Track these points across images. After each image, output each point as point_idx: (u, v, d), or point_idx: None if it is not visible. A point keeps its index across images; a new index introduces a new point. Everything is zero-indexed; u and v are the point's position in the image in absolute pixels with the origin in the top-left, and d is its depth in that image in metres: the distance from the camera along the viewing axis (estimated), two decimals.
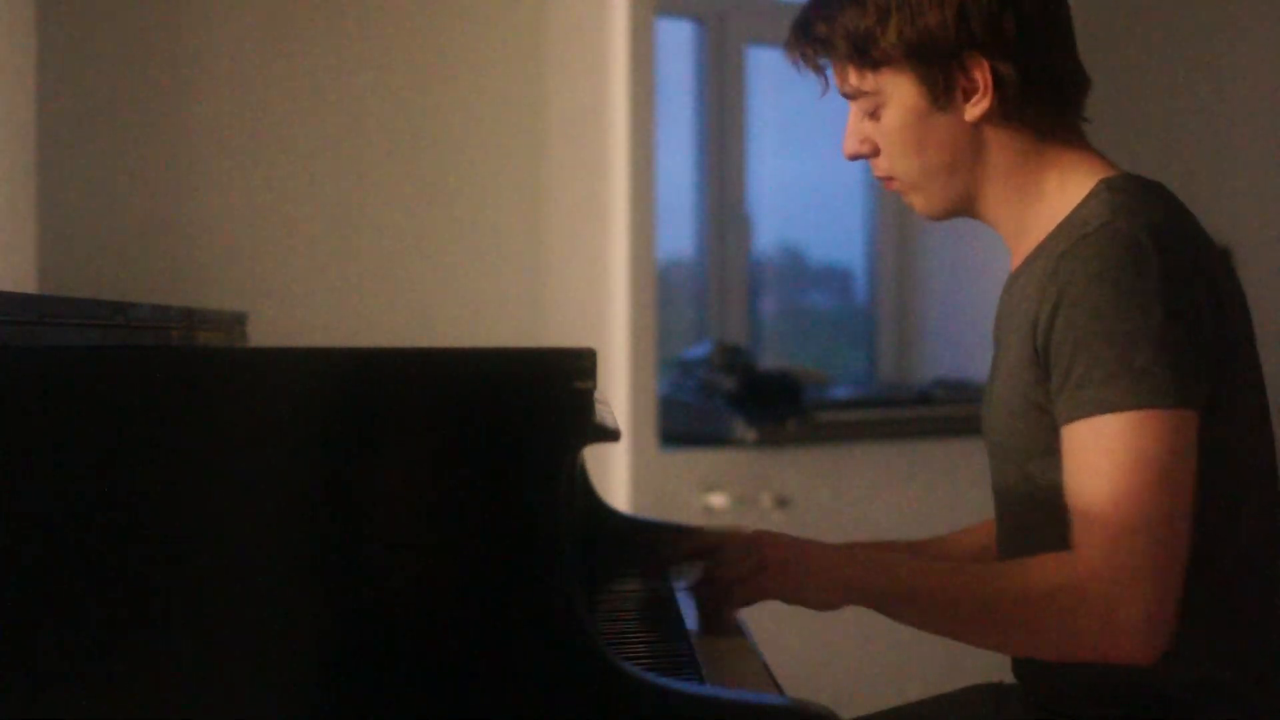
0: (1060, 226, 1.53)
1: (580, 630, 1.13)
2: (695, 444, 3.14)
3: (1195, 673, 1.48)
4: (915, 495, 3.24)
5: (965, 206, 1.62)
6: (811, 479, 3.16)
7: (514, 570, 1.14)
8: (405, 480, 1.15)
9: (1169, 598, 1.38)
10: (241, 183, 2.87)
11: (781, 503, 3.08)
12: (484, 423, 1.15)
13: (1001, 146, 1.57)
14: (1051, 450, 1.49)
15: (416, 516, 1.15)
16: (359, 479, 1.14)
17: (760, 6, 3.67)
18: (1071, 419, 1.43)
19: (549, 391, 1.15)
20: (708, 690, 1.23)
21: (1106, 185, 1.52)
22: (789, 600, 1.48)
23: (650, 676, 1.15)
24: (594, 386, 1.20)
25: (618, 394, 2.93)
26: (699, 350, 3.35)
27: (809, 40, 1.60)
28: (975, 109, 1.55)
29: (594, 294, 3.02)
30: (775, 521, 3.08)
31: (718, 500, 3.04)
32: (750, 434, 3.10)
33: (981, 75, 1.53)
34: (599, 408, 1.23)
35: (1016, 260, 1.62)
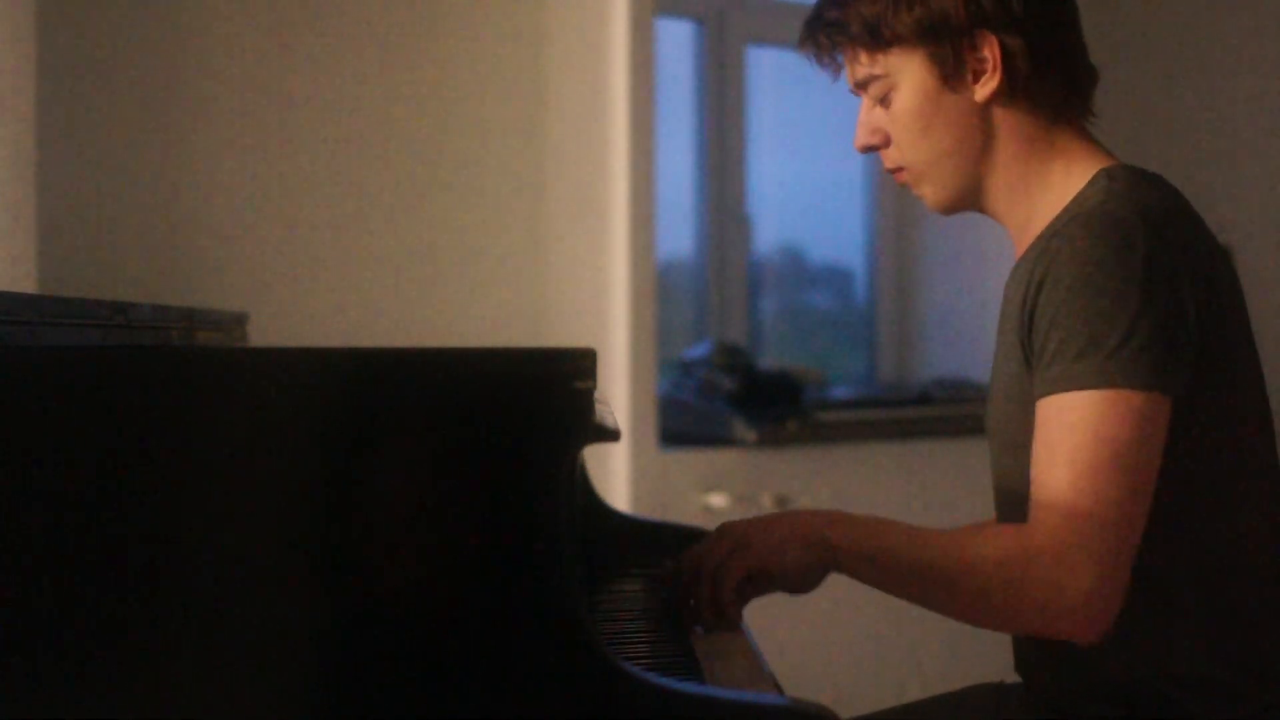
0: (1060, 215, 1.54)
1: (580, 630, 1.13)
2: (695, 444, 3.14)
3: (1196, 671, 1.48)
4: (915, 495, 3.24)
5: (974, 195, 1.63)
6: (811, 479, 3.16)
7: (514, 570, 1.14)
8: (405, 480, 1.15)
9: (1115, 578, 1.38)
10: (242, 183, 2.87)
11: (781, 503, 3.07)
12: (484, 423, 1.15)
13: (1010, 129, 1.58)
14: None
15: (416, 516, 1.15)
16: (359, 479, 1.14)
17: (760, 6, 3.67)
18: (1044, 394, 1.44)
19: (549, 391, 1.15)
20: (707, 690, 1.23)
21: (1106, 174, 1.53)
22: (775, 572, 1.48)
23: (650, 676, 1.15)
24: (594, 386, 1.20)
25: (618, 394, 2.93)
26: (699, 350, 3.35)
27: (822, 26, 1.62)
28: (985, 88, 1.56)
29: (594, 294, 3.02)
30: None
31: (718, 500, 3.04)
32: (750, 434, 3.10)
33: (991, 53, 1.55)
34: (599, 408, 1.23)
35: (1020, 251, 1.63)
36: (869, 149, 1.65)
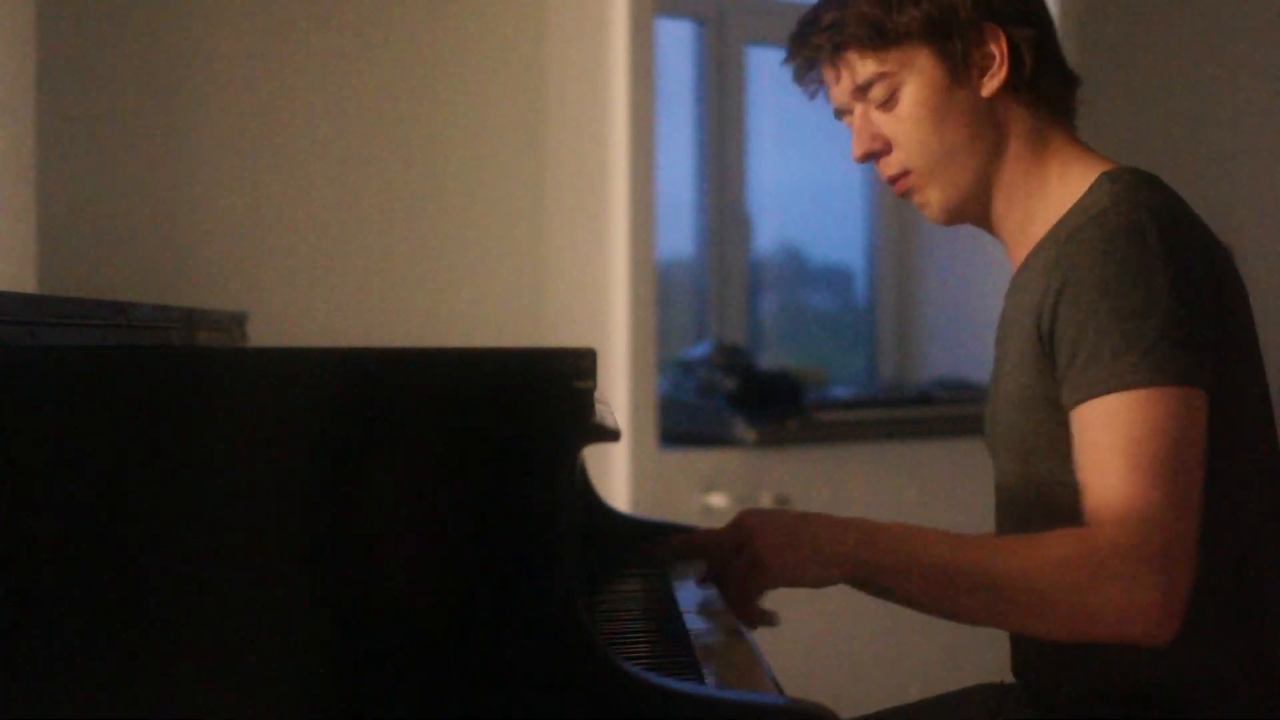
0: (1062, 220, 1.53)
1: (580, 630, 1.13)
2: (695, 444, 3.14)
3: (1196, 670, 1.48)
4: (915, 495, 3.24)
5: (978, 198, 1.61)
6: (811, 479, 3.16)
7: (514, 570, 1.14)
8: (405, 480, 1.15)
9: (1186, 576, 1.36)
10: (241, 183, 2.87)
11: (781, 503, 3.07)
12: (484, 423, 1.15)
13: (1014, 126, 1.58)
14: (1056, 448, 1.49)
15: (416, 517, 1.15)
16: (359, 479, 1.14)
17: (760, 6, 3.67)
18: (1083, 398, 1.42)
19: (549, 391, 1.15)
20: (707, 690, 1.23)
21: (1108, 177, 1.53)
22: (789, 585, 1.48)
23: (650, 676, 1.15)
24: (594, 386, 1.20)
25: (618, 394, 2.93)
26: (699, 350, 3.35)
27: (820, 30, 1.59)
28: (992, 82, 1.56)
29: (594, 294, 3.02)
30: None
31: (718, 500, 3.04)
32: (750, 434, 3.10)
33: (997, 47, 1.56)
34: (599, 408, 1.23)
35: (1016, 263, 1.62)
36: (869, 157, 1.62)
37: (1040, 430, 1.51)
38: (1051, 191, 1.57)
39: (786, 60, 1.65)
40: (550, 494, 1.14)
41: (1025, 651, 1.64)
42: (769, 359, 3.69)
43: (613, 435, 1.21)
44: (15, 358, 1.16)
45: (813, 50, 1.61)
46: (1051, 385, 1.48)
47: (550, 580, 1.13)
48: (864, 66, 1.58)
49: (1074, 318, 1.43)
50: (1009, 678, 1.70)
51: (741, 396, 3.18)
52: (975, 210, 1.62)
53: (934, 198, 1.62)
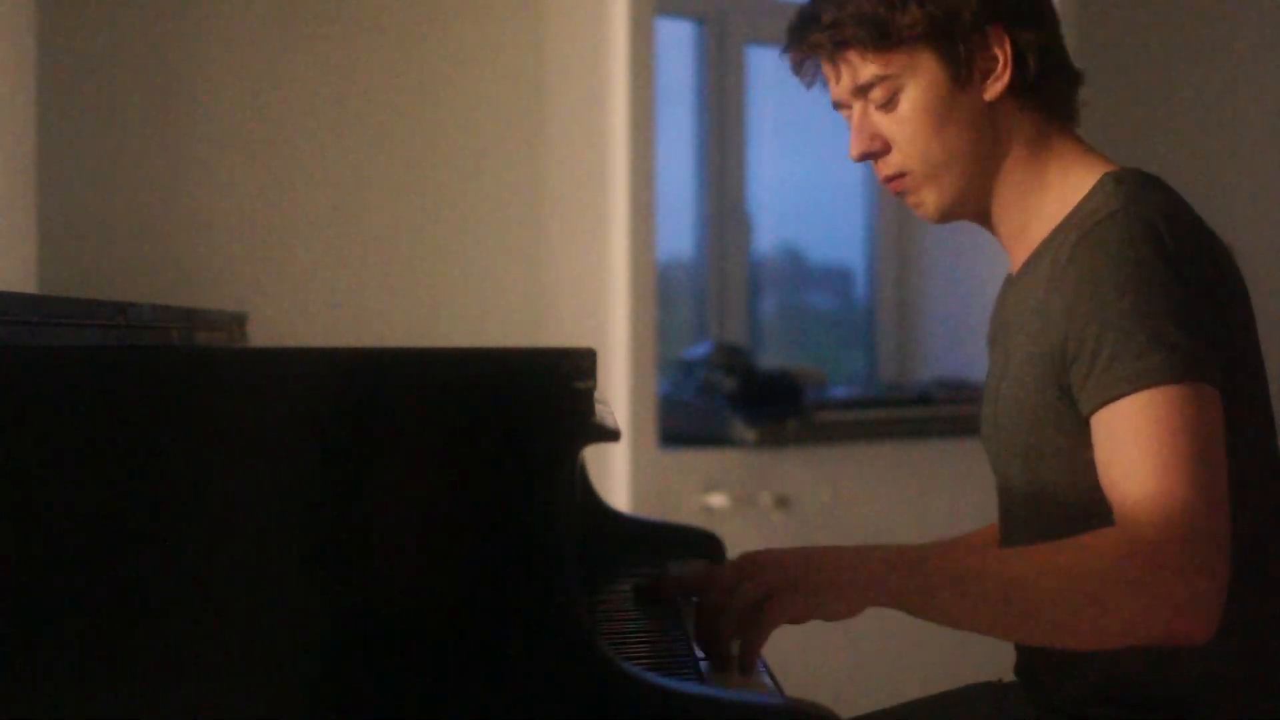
0: (1066, 221, 1.53)
1: (580, 630, 1.13)
2: (695, 444, 3.14)
3: (1196, 669, 1.48)
4: (915, 495, 3.24)
5: (976, 201, 1.60)
6: (811, 479, 3.16)
7: (514, 570, 1.14)
8: (405, 480, 1.15)
9: (1225, 570, 1.35)
10: (242, 183, 2.88)
11: (781, 503, 3.08)
12: (484, 423, 1.15)
13: (1016, 129, 1.57)
14: (1061, 451, 1.49)
15: (416, 517, 1.15)
16: (359, 479, 1.14)
17: (760, 6, 3.67)
18: (1108, 399, 1.41)
19: (549, 391, 1.15)
20: (707, 690, 1.23)
21: (1112, 178, 1.52)
22: (820, 618, 1.32)
23: (650, 676, 1.15)
24: (594, 386, 1.20)
25: (618, 394, 2.93)
26: (699, 350, 3.35)
27: (820, 28, 1.56)
28: (995, 85, 1.55)
29: (594, 294, 3.02)
30: (775, 522, 3.08)
31: (718, 500, 3.04)
32: (750, 434, 3.10)
33: (1001, 50, 1.54)
34: (599, 408, 1.23)
35: (1016, 262, 1.62)
36: (867, 157, 1.60)
37: (1046, 439, 1.50)
38: (1052, 192, 1.57)
39: (784, 53, 1.62)
40: (550, 494, 1.14)
41: (1026, 650, 1.63)
42: (769, 359, 3.69)
43: (613, 435, 1.21)
44: (15, 358, 1.16)
45: (811, 48, 1.58)
46: (1057, 394, 1.47)
47: (550, 580, 1.13)
48: (865, 68, 1.55)
49: (1095, 317, 1.42)
50: (1008, 676, 1.69)
51: (741, 396, 3.18)
52: (972, 211, 1.61)
53: (930, 199, 1.60)
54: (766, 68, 3.67)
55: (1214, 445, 1.38)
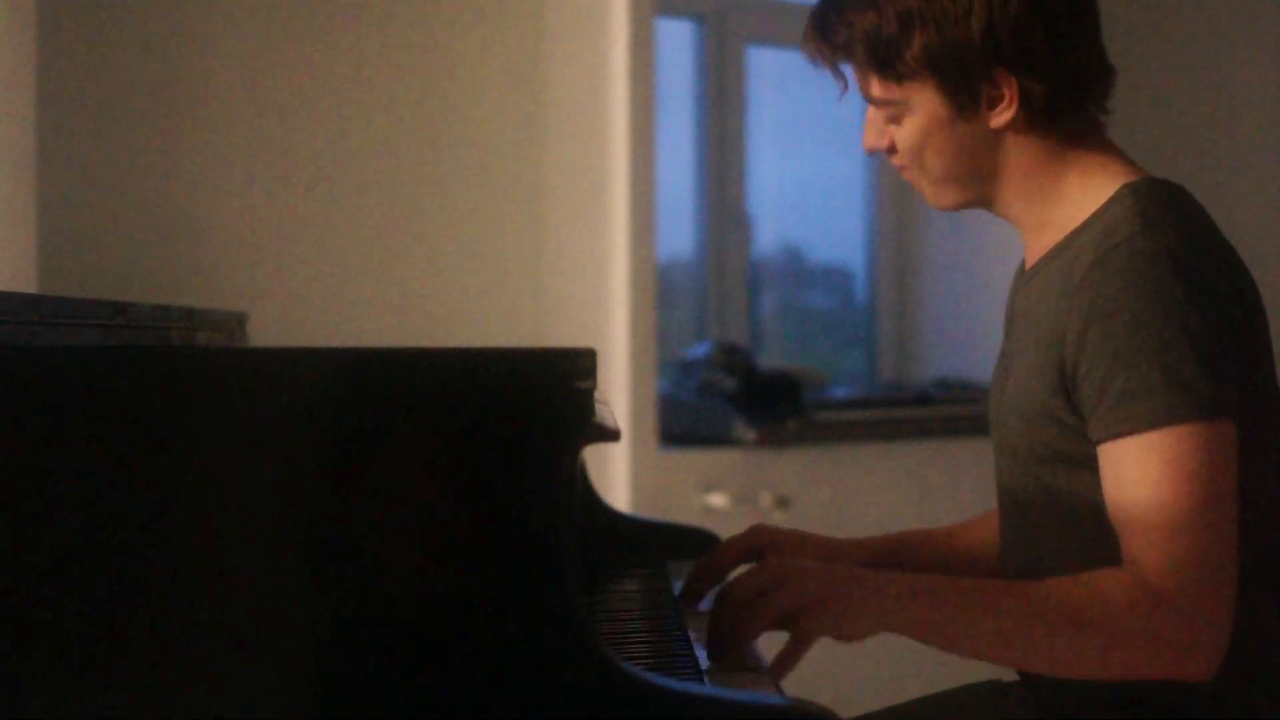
0: (1084, 228, 1.51)
1: (580, 630, 1.13)
2: (695, 444, 3.14)
3: (1204, 680, 1.48)
4: (915, 495, 3.24)
5: (978, 205, 1.62)
6: (811, 479, 3.16)
7: (514, 570, 1.14)
8: (405, 481, 1.15)
9: (1232, 610, 1.37)
10: (242, 183, 2.88)
11: (781, 503, 3.07)
12: (484, 423, 1.15)
13: (1023, 151, 1.55)
14: (1063, 457, 1.49)
15: (416, 517, 1.15)
16: (359, 479, 1.14)
17: (760, 6, 3.67)
18: (1116, 434, 1.40)
19: (549, 391, 1.15)
20: (708, 690, 1.23)
21: (1131, 190, 1.50)
22: (830, 634, 1.36)
23: (650, 676, 1.15)
24: (594, 386, 1.20)
25: (618, 394, 2.93)
26: (699, 350, 3.35)
27: (828, 43, 1.58)
28: (1000, 118, 1.53)
29: (594, 294, 3.02)
30: (775, 522, 3.08)
31: (718, 500, 3.04)
32: (750, 434, 3.10)
33: (1008, 88, 1.51)
34: (599, 408, 1.23)
35: (1032, 254, 1.61)
36: (876, 151, 1.62)
37: (1048, 442, 1.50)
38: (1070, 199, 1.55)
39: (801, 48, 1.63)
40: (550, 494, 1.14)
41: None
42: (769, 359, 3.69)
43: (613, 435, 1.21)
44: (15, 358, 1.16)
45: (824, 58, 1.60)
46: (1064, 408, 1.47)
47: (550, 580, 1.13)
48: (870, 87, 1.57)
49: (1106, 349, 1.41)
50: (1008, 675, 1.69)
51: (741, 396, 3.18)
52: (981, 207, 1.63)
53: (932, 199, 1.62)
54: (766, 68, 3.67)
55: (1223, 484, 1.38)
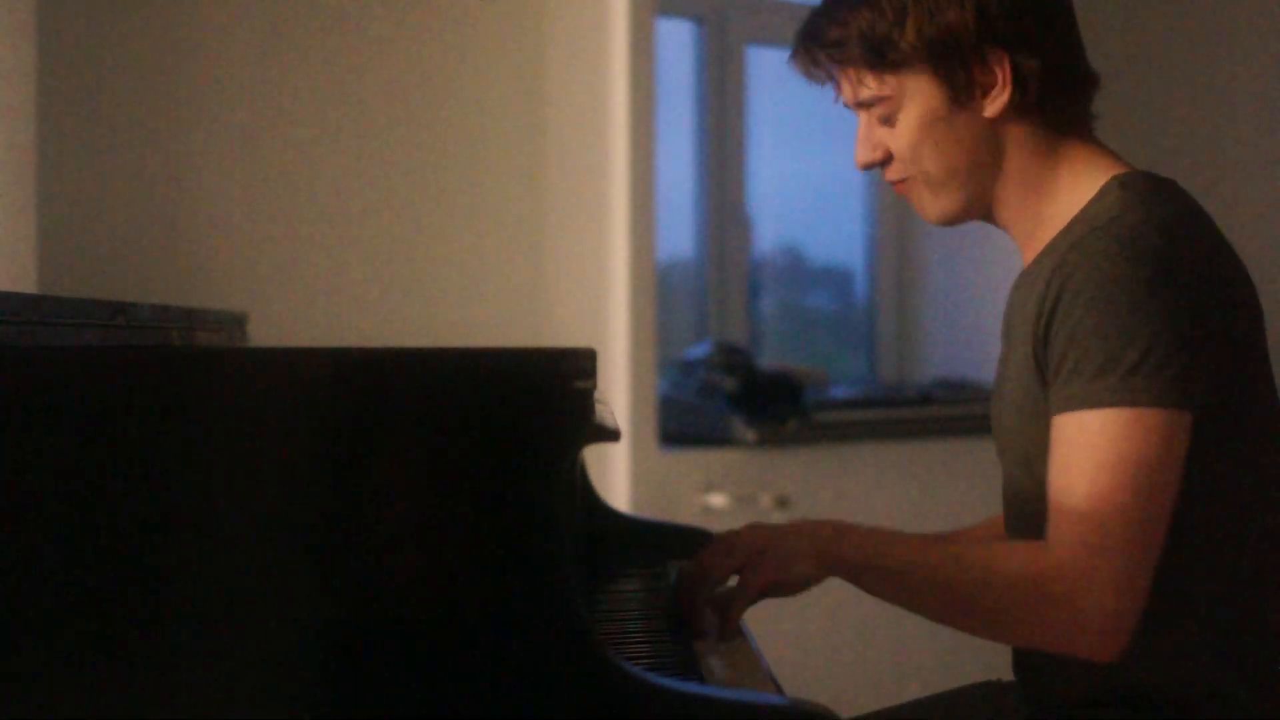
0: (1071, 223, 1.52)
1: (580, 630, 1.13)
2: (695, 444, 3.14)
3: (1196, 675, 1.48)
4: (915, 495, 3.25)
5: (978, 209, 1.61)
6: (811, 479, 3.16)
7: (514, 570, 1.14)
8: (405, 480, 1.15)
9: (1133, 599, 1.37)
10: (241, 183, 2.87)
11: (781, 503, 3.08)
12: (484, 422, 1.15)
13: (1018, 142, 1.56)
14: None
15: (416, 516, 1.15)
16: (359, 479, 1.14)
17: (760, 6, 3.67)
18: (1058, 411, 1.42)
19: (549, 391, 1.15)
20: (708, 690, 1.23)
21: (1119, 182, 1.51)
22: (782, 585, 1.46)
23: (650, 676, 1.15)
24: (594, 386, 1.20)
25: (618, 394, 2.93)
26: (699, 350, 3.35)
27: (820, 46, 1.59)
28: (994, 104, 1.54)
29: (594, 294, 3.02)
30: (775, 521, 3.08)
31: (718, 500, 3.04)
32: (750, 434, 3.10)
33: (1001, 70, 1.53)
34: (599, 408, 1.23)
35: (1028, 259, 1.62)
36: (870, 166, 1.62)
37: (1039, 438, 1.50)
38: (1062, 196, 1.56)
39: (790, 61, 1.65)
40: (550, 494, 1.14)
41: (1027, 653, 1.63)
42: (769, 359, 3.69)
43: (613, 435, 1.21)
44: (15, 358, 1.16)
45: (815, 63, 1.61)
46: (1044, 396, 1.48)
47: (550, 580, 1.13)
48: (865, 86, 1.58)
49: (1064, 328, 1.43)
50: (1008, 676, 1.70)
51: (741, 396, 3.18)
52: (976, 216, 1.63)
53: (930, 207, 1.62)
54: (766, 68, 3.67)
55: (1155, 473, 1.38)
